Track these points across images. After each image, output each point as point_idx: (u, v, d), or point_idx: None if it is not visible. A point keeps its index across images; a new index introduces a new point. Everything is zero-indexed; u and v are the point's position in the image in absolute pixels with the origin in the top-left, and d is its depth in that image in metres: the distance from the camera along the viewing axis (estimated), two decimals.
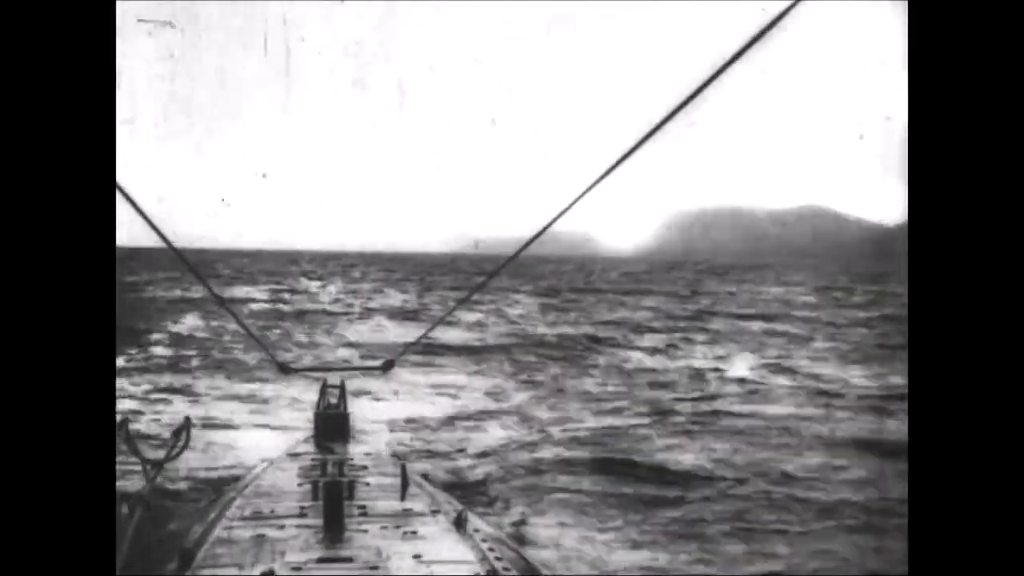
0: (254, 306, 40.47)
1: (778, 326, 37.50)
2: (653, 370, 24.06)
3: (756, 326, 37.10)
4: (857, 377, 22.91)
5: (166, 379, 19.88)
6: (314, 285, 59.75)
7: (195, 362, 22.76)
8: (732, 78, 3.51)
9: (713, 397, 19.75)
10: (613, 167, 4.32)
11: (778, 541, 10.33)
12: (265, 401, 17.34)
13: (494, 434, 15.91)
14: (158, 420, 15.16)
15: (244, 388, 18.78)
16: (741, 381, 22.20)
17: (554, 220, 5.19)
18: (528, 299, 48.80)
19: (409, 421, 16.11)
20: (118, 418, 4.89)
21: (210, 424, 15.16)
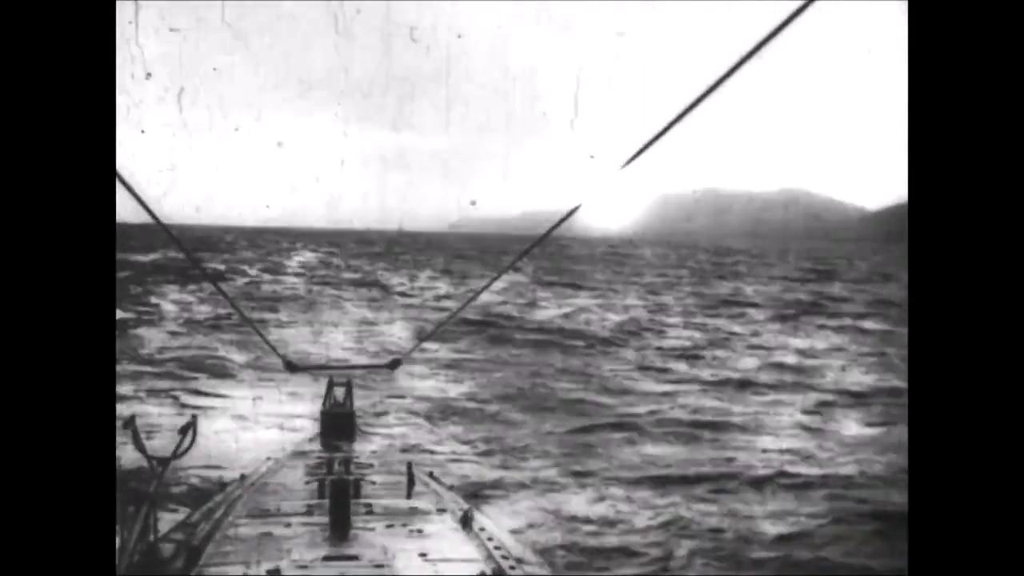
0: None
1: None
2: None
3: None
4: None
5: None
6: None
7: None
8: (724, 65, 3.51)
9: None
10: (632, 158, 4.31)
11: None
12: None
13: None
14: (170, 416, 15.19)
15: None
16: None
17: (571, 213, 5.16)
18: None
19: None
20: (119, 423, 4.90)
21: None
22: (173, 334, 26.35)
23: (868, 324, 34.12)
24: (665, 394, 19.25)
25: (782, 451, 14.65)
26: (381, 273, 55.78)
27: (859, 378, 22.34)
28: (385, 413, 16.46)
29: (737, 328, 32.35)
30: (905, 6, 2.70)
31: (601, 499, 11.84)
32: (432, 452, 13.89)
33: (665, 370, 22.66)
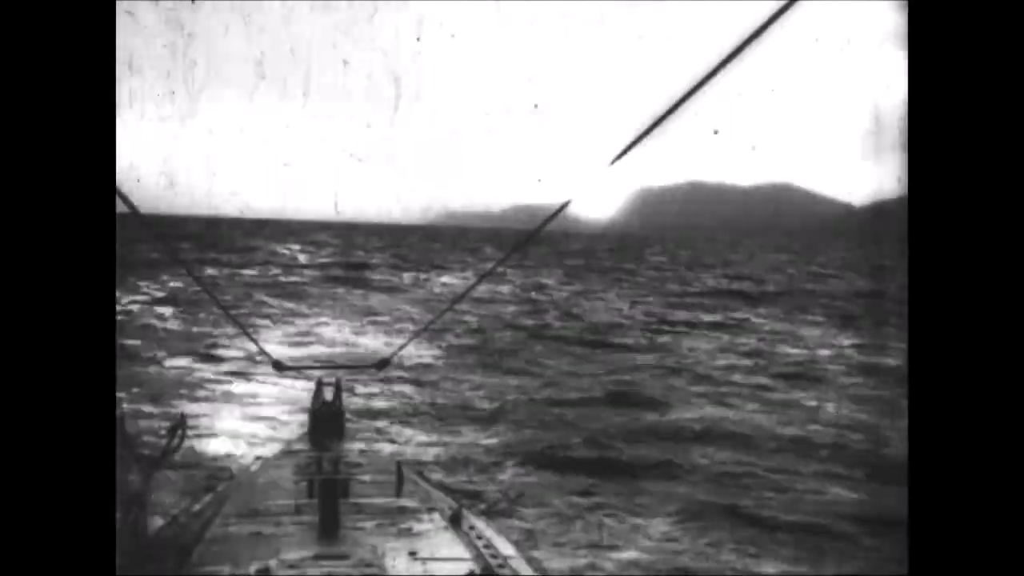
0: None
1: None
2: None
3: None
4: None
5: None
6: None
7: None
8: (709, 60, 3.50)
9: None
10: (620, 155, 4.32)
11: None
12: None
13: None
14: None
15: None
16: None
17: (562, 208, 5.17)
18: None
19: None
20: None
21: None
22: (163, 323, 26.33)
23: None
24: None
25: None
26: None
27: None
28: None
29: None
30: (897, 5, 2.72)
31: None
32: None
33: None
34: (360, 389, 17.36)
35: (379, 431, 14.84)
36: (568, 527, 10.58)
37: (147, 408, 15.74)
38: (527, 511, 11.13)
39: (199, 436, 13.49)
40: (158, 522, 6.69)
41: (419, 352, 22.20)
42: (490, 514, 10.33)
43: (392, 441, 14.27)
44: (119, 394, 16.37)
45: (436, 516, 5.62)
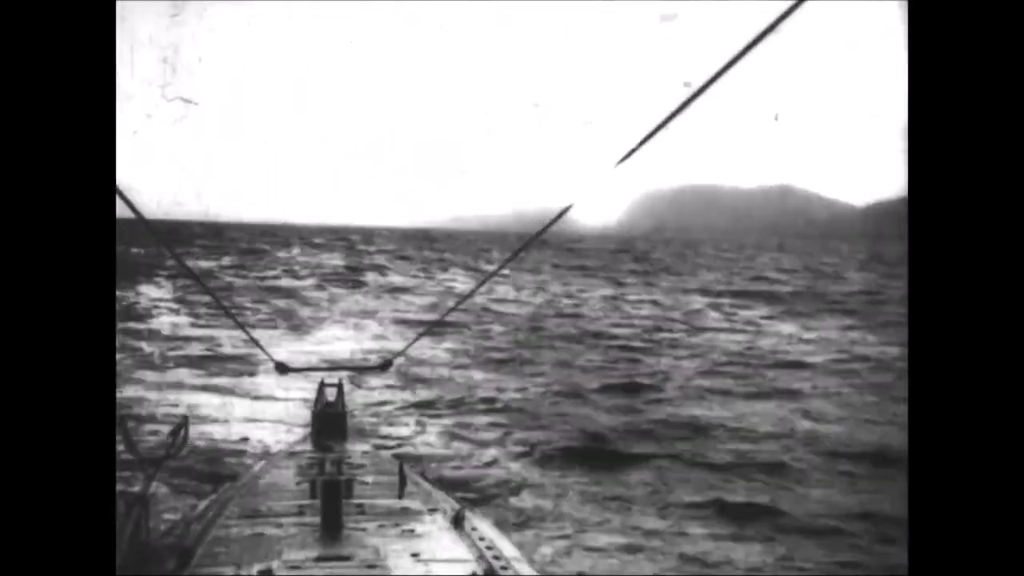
0: None
1: None
2: None
3: None
4: None
5: None
6: None
7: None
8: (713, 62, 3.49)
9: None
10: (625, 158, 4.32)
11: None
12: None
13: None
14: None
15: None
16: None
17: (565, 210, 5.17)
18: None
19: None
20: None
21: None
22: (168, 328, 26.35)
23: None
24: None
25: None
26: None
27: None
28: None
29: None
30: (896, 5, 2.72)
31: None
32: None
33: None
34: (365, 386, 17.44)
35: (384, 426, 14.88)
36: (570, 522, 10.59)
37: (150, 409, 15.76)
38: (528, 505, 11.15)
39: (202, 437, 13.50)
40: (161, 522, 6.70)
41: (424, 351, 22.21)
42: (490, 507, 10.34)
43: (397, 436, 14.30)
44: (122, 395, 16.41)
45: (438, 517, 5.63)
